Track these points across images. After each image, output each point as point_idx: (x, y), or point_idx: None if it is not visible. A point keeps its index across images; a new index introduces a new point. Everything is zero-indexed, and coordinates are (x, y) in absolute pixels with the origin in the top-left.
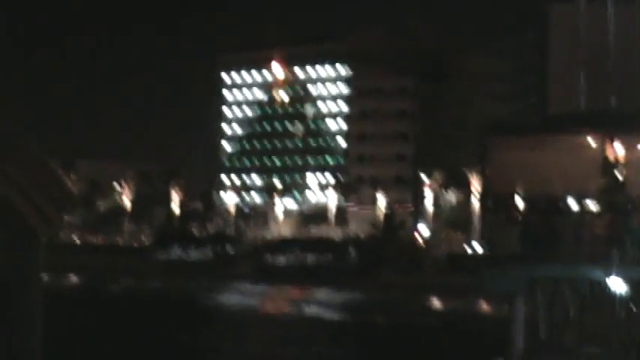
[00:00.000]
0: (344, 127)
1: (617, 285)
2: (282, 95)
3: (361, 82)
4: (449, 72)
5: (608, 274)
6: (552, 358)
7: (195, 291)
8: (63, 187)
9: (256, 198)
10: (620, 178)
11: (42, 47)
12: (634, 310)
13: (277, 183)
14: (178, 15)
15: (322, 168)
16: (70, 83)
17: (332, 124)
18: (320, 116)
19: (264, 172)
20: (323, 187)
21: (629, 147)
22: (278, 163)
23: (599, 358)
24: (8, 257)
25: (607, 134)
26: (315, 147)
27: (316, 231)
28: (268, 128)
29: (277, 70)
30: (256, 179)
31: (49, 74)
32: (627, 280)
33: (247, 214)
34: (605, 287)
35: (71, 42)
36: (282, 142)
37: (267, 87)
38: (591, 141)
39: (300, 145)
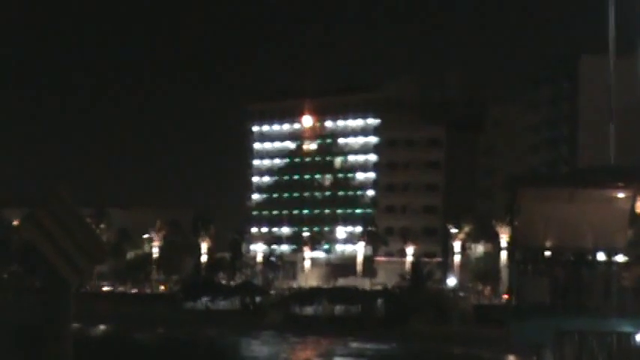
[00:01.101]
0: (373, 177)
1: None
2: (312, 146)
3: (391, 133)
4: (480, 122)
5: (637, 328)
6: None
7: (223, 341)
8: (94, 238)
9: (284, 248)
10: None
11: (73, 96)
12: None
13: (305, 233)
14: (208, 65)
15: (351, 219)
16: (103, 132)
17: (361, 175)
18: (348, 167)
19: (293, 222)
20: (352, 238)
21: None
22: (306, 213)
23: None
24: (40, 305)
25: (636, 188)
26: (343, 197)
27: (344, 282)
28: (297, 178)
29: (307, 120)
30: (285, 230)
31: (80, 123)
32: None
33: (275, 265)
34: (634, 341)
35: (106, 90)
36: (311, 192)
37: (296, 137)
38: (621, 195)
39: (328, 195)
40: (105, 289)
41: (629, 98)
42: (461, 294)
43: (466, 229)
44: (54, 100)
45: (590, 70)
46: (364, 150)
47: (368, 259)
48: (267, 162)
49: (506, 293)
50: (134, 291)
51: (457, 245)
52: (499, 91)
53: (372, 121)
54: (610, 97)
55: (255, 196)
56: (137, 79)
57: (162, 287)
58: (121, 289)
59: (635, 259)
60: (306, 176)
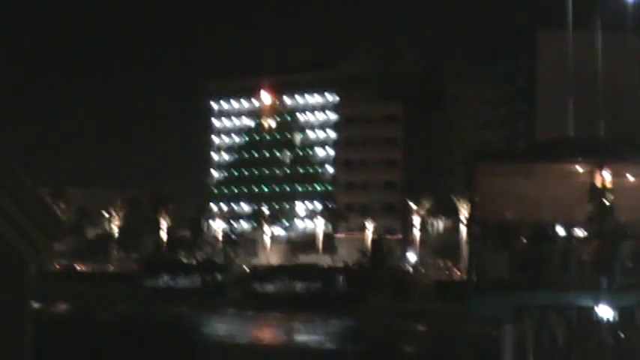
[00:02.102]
0: (332, 154)
1: (605, 312)
2: (270, 123)
3: (349, 110)
4: (437, 99)
5: (596, 301)
6: None
7: (182, 318)
8: (52, 216)
9: (245, 225)
10: (608, 204)
11: (28, 70)
12: (622, 337)
13: (265, 211)
14: (168, 42)
15: (310, 195)
16: (59, 110)
17: (320, 152)
18: (308, 144)
19: (253, 199)
20: (311, 215)
21: (617, 174)
22: (266, 190)
23: None
24: None
25: (595, 162)
26: (303, 174)
27: (305, 259)
28: (256, 155)
29: (265, 97)
30: (245, 207)
31: (34, 100)
32: (615, 307)
33: (236, 242)
34: (593, 314)
35: (67, 67)
36: (271, 169)
37: (255, 114)
38: (579, 168)
39: (288, 172)
40: (64, 267)
41: (587, 72)
42: (421, 270)
43: (425, 205)
44: (17, 77)
45: (547, 44)
46: (323, 127)
47: (328, 236)
48: (226, 139)
49: (466, 268)
50: (94, 270)
51: (417, 221)
52: (457, 67)
53: (331, 98)
54: (568, 71)
55: (215, 174)
56: (97, 57)
57: (131, 265)
58: (80, 267)
59: (594, 233)
60: (266, 153)
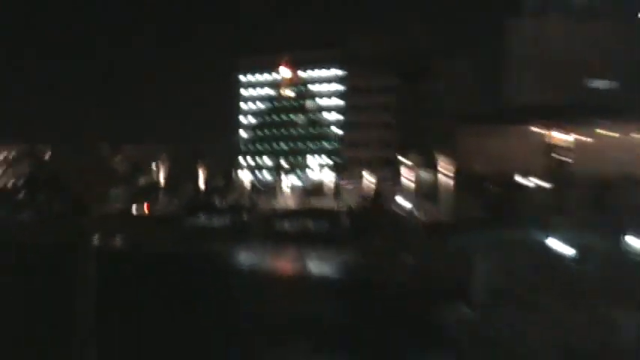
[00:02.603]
0: (339, 118)
1: (561, 247)
2: (289, 92)
3: (353, 81)
4: (425, 71)
5: (551, 236)
6: (506, 304)
7: (216, 252)
8: (107, 169)
9: (267, 176)
10: (563, 159)
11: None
12: (572, 264)
13: (284, 164)
14: (199, 21)
15: (320, 151)
16: (115, 78)
17: (328, 116)
18: (319, 109)
19: (274, 154)
20: (321, 167)
21: (569, 133)
22: (285, 147)
23: (545, 305)
24: (64, 224)
25: (552, 125)
26: (314, 134)
27: (315, 203)
28: (276, 119)
29: (284, 71)
30: (267, 161)
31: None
32: (573, 242)
33: (259, 189)
34: (548, 246)
35: (102, 41)
36: (288, 130)
37: (276, 85)
38: (539, 131)
39: (302, 132)
40: (120, 208)
41: (548, 50)
42: (412, 212)
43: (415, 158)
44: (76, 45)
45: (516, 30)
46: (331, 95)
47: (335, 185)
48: (252, 106)
49: (445, 211)
50: (144, 212)
51: (406, 173)
52: (445, 43)
53: (340, 72)
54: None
55: (244, 134)
56: (143, 31)
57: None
58: (133, 209)
59: (551, 182)
60: (284, 117)
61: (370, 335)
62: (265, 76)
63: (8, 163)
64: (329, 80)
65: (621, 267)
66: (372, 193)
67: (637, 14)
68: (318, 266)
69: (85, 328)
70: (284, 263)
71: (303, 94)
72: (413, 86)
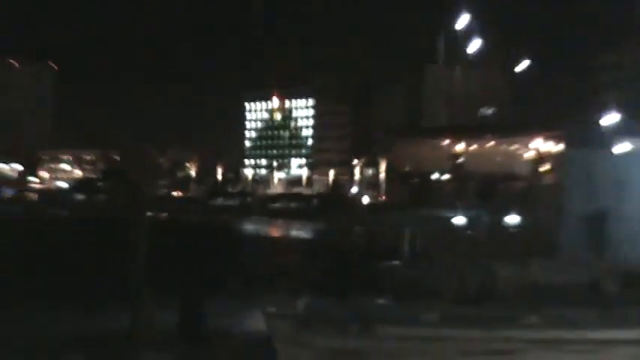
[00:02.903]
0: (311, 133)
1: (460, 220)
2: (278, 115)
3: (320, 108)
4: (370, 99)
5: (455, 214)
6: (423, 260)
7: (229, 222)
8: (156, 164)
9: (263, 172)
10: (460, 162)
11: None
12: (470, 233)
13: (274, 164)
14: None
15: (299, 155)
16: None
17: (305, 131)
18: (298, 127)
19: (268, 157)
20: (300, 166)
21: (468, 145)
22: (275, 152)
23: (448, 259)
24: (127, 205)
25: (455, 139)
26: (295, 144)
27: (296, 190)
28: (269, 134)
29: (275, 101)
30: (263, 161)
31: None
32: (467, 217)
33: (258, 181)
34: (452, 220)
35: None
36: (277, 141)
37: (270, 111)
38: (445, 142)
39: (287, 143)
40: (164, 194)
41: (453, 87)
42: (359, 196)
43: (362, 160)
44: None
45: (433, 73)
46: (307, 117)
47: (309, 177)
48: (254, 124)
49: (384, 196)
50: (181, 195)
51: (357, 170)
52: (383, 79)
53: (310, 101)
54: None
55: (247, 143)
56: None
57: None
58: (173, 194)
59: (453, 177)
60: (275, 132)
61: (331, 279)
62: (262, 104)
63: (91, 162)
64: (304, 107)
65: (499, 234)
66: (333, 183)
67: (516, 65)
68: (297, 232)
69: (139, 280)
70: (274, 230)
71: (287, 116)
72: (361, 110)
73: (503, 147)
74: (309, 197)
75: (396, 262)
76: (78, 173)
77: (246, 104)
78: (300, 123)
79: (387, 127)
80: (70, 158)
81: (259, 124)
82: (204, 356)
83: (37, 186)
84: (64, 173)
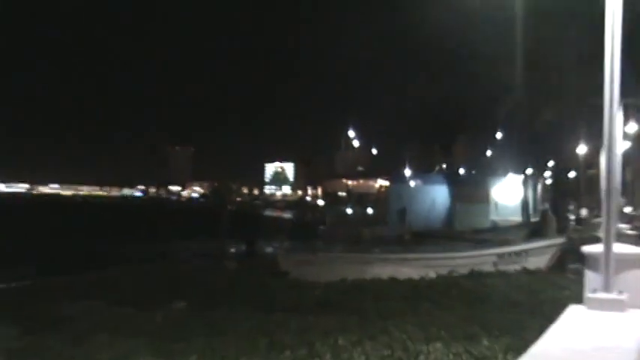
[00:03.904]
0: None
1: (349, 210)
2: (279, 170)
3: (296, 165)
4: (311, 161)
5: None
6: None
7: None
8: (230, 189)
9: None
10: (352, 191)
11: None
12: (350, 214)
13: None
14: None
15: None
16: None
17: (289, 175)
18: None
19: (274, 189)
20: (284, 193)
21: (352, 180)
22: (275, 187)
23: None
24: (220, 213)
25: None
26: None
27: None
28: (275, 178)
29: (277, 164)
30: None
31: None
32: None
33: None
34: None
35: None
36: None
37: (276, 168)
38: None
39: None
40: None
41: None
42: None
43: (314, 191)
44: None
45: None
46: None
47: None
48: (267, 174)
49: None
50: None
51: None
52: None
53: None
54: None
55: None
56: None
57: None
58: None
59: (347, 195)
60: (277, 177)
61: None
62: (271, 165)
63: (206, 187)
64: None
65: (364, 216)
66: (301, 202)
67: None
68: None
69: (224, 233)
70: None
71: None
72: (306, 166)
73: (367, 182)
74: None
75: (323, 227)
76: (200, 190)
77: (266, 164)
78: (287, 172)
79: (321, 175)
80: (197, 185)
81: (270, 175)
82: (254, 262)
83: (185, 195)
84: (194, 191)
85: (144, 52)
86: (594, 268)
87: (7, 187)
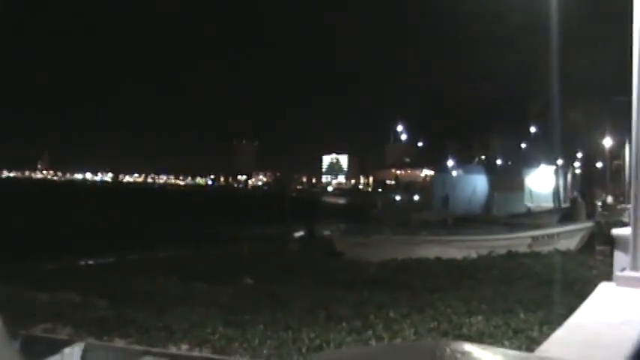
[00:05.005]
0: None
1: (397, 197)
2: (332, 160)
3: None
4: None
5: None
6: (385, 212)
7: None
8: (292, 179)
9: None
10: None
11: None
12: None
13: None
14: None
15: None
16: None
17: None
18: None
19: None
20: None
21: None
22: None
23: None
24: (283, 200)
25: (395, 168)
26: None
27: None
28: (329, 169)
29: (331, 157)
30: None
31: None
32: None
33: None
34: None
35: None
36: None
37: (331, 159)
38: (392, 170)
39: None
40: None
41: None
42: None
43: (365, 180)
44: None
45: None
46: None
47: None
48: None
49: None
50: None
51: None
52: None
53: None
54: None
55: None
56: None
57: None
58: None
59: (396, 183)
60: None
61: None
62: (327, 157)
63: (269, 176)
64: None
65: (411, 202)
66: (354, 189)
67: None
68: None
69: (288, 217)
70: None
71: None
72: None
73: (413, 172)
74: None
75: (374, 212)
76: (263, 179)
77: (324, 156)
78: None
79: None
80: (261, 174)
81: (326, 165)
82: (313, 244)
83: (250, 184)
84: (259, 180)
85: (211, 53)
86: (623, 248)
87: (93, 176)
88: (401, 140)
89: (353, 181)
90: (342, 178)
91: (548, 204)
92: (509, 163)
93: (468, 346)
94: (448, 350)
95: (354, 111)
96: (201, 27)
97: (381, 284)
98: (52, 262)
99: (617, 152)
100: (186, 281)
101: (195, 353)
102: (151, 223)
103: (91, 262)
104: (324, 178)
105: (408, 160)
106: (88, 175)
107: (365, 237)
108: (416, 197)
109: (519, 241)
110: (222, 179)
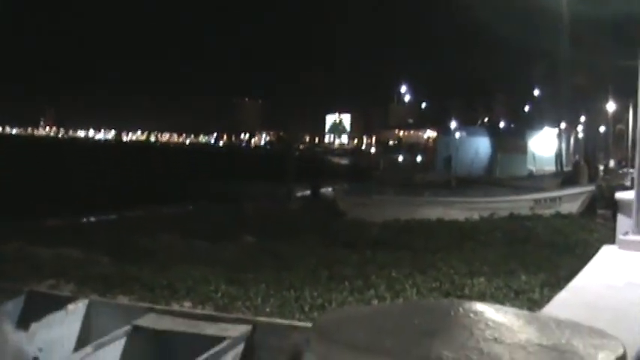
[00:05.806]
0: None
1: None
2: (336, 121)
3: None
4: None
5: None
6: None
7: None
8: (295, 138)
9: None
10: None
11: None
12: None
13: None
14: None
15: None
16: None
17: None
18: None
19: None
20: None
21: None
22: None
23: None
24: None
25: (399, 129)
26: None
27: None
28: (332, 129)
29: (335, 116)
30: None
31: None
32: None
33: None
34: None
35: None
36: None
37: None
38: (395, 131)
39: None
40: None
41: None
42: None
43: (369, 140)
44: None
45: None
46: None
47: None
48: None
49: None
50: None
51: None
52: None
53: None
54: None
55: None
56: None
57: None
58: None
59: (399, 143)
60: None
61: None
62: (331, 116)
63: (273, 135)
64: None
65: (414, 162)
66: (357, 149)
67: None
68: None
69: (290, 176)
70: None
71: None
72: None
73: (416, 133)
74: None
75: (377, 172)
76: (266, 139)
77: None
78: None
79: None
80: (265, 133)
81: (329, 125)
82: (316, 203)
83: (253, 143)
84: (263, 139)
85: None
86: (626, 212)
87: (96, 133)
88: (404, 102)
89: (356, 141)
90: (345, 139)
91: (551, 167)
92: (512, 125)
93: (480, 306)
94: (461, 310)
95: (359, 70)
96: None
97: (384, 244)
98: (53, 219)
99: (619, 117)
100: (189, 239)
101: (198, 310)
102: (157, 180)
103: (92, 218)
104: (327, 138)
105: (411, 121)
106: (91, 133)
107: (367, 197)
108: (419, 158)
109: (522, 203)
110: (224, 137)
